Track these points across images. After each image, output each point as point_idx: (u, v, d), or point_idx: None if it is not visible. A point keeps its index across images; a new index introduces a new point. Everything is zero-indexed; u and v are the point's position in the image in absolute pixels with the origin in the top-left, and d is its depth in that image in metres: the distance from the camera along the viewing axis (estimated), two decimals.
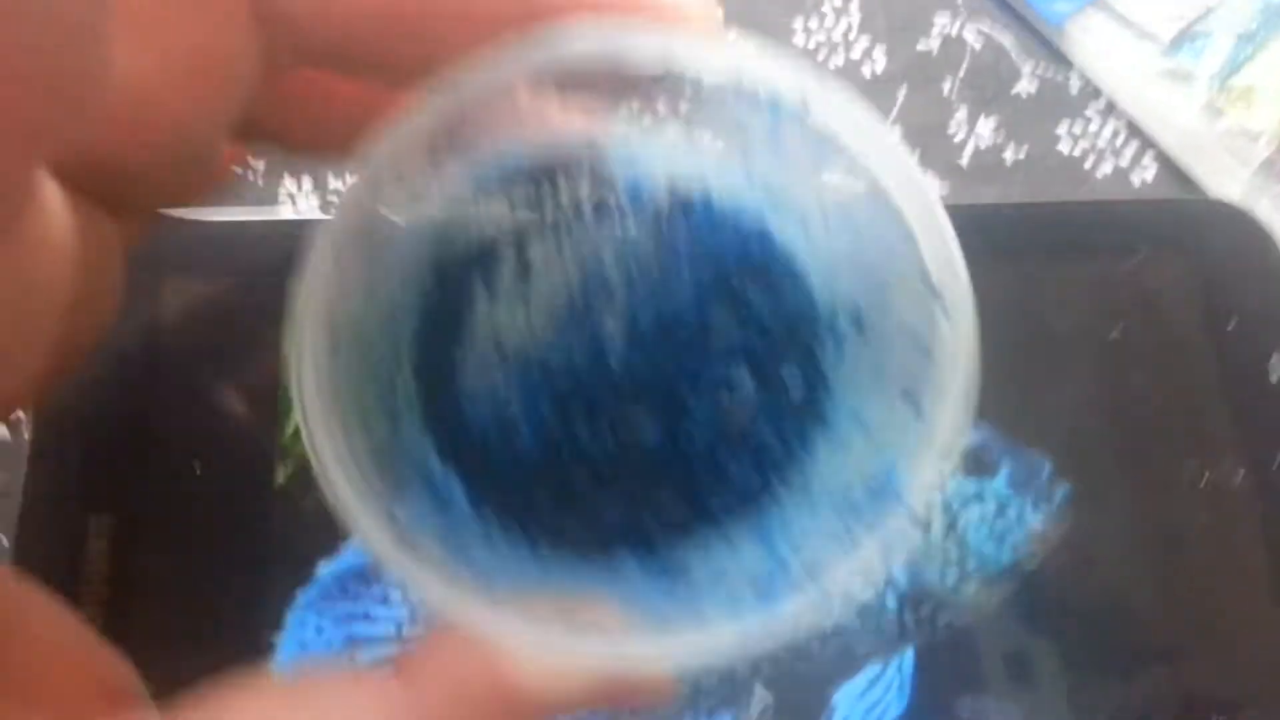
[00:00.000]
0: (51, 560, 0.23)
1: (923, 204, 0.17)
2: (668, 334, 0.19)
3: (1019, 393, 0.31)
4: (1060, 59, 0.35)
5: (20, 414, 0.27)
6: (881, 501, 0.16)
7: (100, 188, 0.16)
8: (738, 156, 0.20)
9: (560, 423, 0.19)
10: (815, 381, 0.20)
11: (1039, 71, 0.35)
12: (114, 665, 0.14)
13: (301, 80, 0.18)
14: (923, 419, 0.16)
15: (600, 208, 0.20)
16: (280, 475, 0.25)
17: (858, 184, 0.18)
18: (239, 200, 0.29)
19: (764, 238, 0.20)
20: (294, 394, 0.14)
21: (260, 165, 0.30)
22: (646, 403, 0.19)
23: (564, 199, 0.20)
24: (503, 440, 0.19)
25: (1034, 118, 0.35)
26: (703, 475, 0.19)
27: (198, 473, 0.24)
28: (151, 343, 0.24)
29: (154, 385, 0.24)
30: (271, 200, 0.31)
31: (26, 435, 0.26)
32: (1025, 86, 0.35)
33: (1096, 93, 0.35)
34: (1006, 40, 0.35)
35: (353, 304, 0.16)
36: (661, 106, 0.19)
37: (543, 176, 0.20)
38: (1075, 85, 0.35)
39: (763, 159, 0.19)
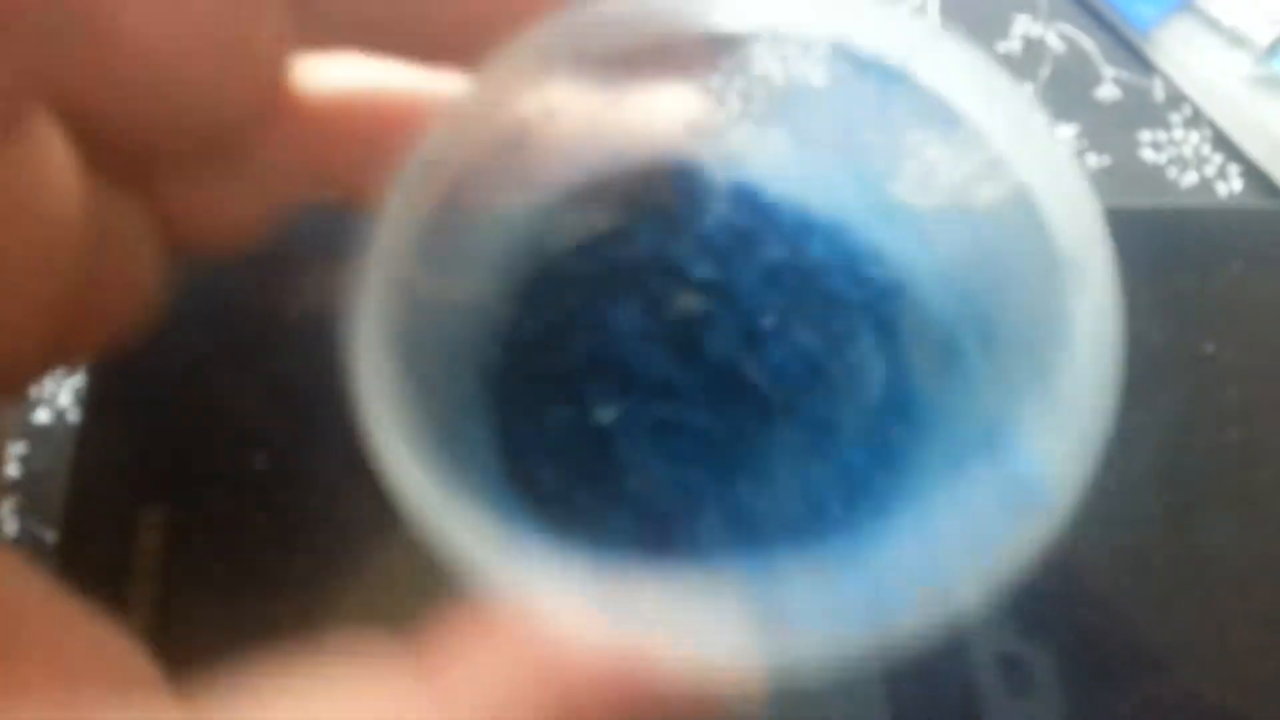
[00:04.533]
0: (99, 555, 0.22)
1: (1050, 164, 0.15)
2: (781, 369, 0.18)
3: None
4: (1144, 65, 0.34)
5: (65, 401, 0.25)
6: (1017, 507, 0.14)
7: (123, 163, 0.15)
8: (841, 156, 0.18)
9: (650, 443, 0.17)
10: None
11: (1122, 77, 0.34)
12: (124, 652, 0.13)
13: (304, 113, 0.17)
14: (1058, 408, 0.15)
15: (692, 224, 0.18)
16: None
17: (974, 157, 0.16)
18: None
19: (878, 256, 0.18)
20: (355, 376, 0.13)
21: None
22: (735, 423, 0.18)
23: (656, 208, 0.18)
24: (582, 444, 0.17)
25: (1116, 125, 0.34)
26: (800, 514, 0.17)
27: (261, 466, 0.22)
28: (218, 326, 0.23)
29: (219, 371, 0.23)
30: None
31: (73, 420, 0.24)
32: (1108, 92, 0.34)
33: (1181, 100, 0.34)
34: (1089, 44, 0.34)
35: (421, 304, 0.15)
36: (761, 102, 0.18)
37: (625, 186, 0.18)
38: (1159, 92, 0.34)
39: (867, 151, 0.18)
